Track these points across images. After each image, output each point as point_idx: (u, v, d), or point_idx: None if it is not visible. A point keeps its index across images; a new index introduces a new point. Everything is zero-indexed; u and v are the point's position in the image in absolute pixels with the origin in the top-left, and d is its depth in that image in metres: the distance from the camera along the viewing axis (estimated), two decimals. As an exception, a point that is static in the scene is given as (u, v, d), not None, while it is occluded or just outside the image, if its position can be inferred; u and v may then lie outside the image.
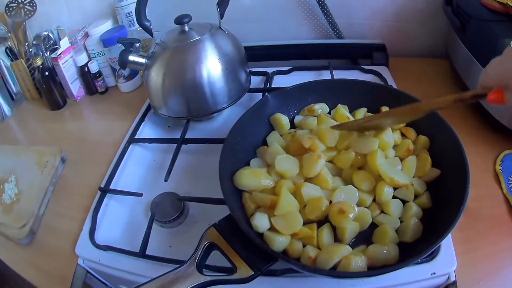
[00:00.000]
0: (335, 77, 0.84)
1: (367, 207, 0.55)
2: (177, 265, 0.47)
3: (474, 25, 0.72)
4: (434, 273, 0.51)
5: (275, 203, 0.52)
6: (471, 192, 0.50)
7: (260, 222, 0.51)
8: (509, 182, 0.63)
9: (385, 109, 0.67)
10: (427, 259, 0.52)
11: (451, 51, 0.86)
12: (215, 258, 0.50)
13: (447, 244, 0.54)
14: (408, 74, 0.89)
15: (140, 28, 0.76)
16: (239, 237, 0.49)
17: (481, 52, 0.70)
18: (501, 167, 0.66)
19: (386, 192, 0.55)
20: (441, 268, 0.52)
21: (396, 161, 0.59)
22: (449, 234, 0.51)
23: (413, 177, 0.58)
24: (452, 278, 0.52)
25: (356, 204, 0.54)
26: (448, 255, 0.53)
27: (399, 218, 0.54)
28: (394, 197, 0.56)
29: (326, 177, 0.56)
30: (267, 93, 0.71)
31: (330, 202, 0.54)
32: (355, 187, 0.56)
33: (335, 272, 0.46)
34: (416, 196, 0.56)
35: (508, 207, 0.60)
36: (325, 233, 0.52)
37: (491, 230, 0.58)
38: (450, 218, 0.48)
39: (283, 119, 0.68)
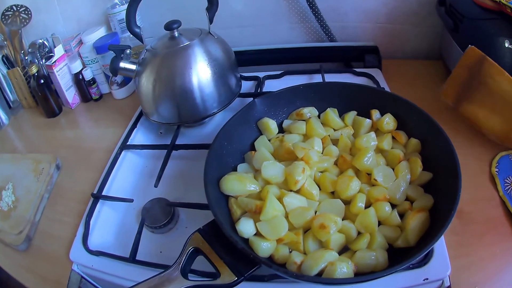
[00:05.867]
0: (326, 80, 0.83)
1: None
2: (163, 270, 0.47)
3: (467, 24, 0.71)
4: (427, 279, 0.50)
5: (260, 208, 0.52)
6: (466, 195, 0.49)
7: (245, 227, 0.51)
8: (506, 184, 0.62)
9: (375, 112, 0.66)
10: (420, 264, 0.51)
11: (445, 52, 0.84)
12: (203, 263, 0.50)
13: (441, 248, 0.52)
14: (401, 77, 0.88)
15: (132, 35, 0.76)
16: (223, 243, 0.49)
17: (475, 52, 0.70)
18: (497, 169, 0.64)
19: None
20: (435, 273, 0.50)
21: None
22: (442, 238, 0.50)
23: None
24: (446, 284, 0.51)
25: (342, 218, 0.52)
26: (441, 259, 0.51)
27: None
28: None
29: (310, 190, 0.55)
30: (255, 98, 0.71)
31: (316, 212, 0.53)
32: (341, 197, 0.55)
33: (319, 278, 0.45)
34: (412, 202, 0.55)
35: (504, 210, 0.59)
36: (312, 239, 0.51)
37: (486, 233, 0.57)
38: (442, 222, 0.47)
39: (271, 124, 0.67)
